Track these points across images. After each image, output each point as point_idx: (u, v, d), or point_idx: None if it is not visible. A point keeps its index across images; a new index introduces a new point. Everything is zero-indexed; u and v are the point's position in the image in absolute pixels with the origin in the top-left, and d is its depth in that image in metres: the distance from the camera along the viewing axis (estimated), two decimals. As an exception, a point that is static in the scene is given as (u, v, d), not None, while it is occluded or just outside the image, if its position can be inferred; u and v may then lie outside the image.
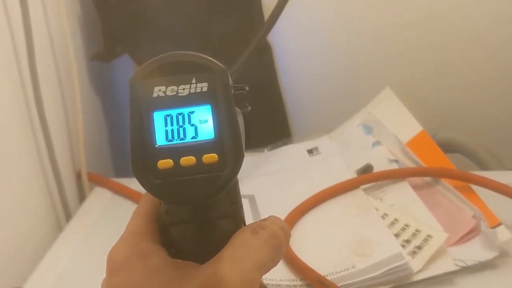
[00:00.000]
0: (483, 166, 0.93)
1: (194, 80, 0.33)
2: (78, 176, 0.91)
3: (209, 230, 0.35)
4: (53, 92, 0.85)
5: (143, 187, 0.33)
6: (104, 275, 0.35)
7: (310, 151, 0.89)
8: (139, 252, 0.34)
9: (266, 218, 0.37)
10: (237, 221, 0.36)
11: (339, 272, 0.63)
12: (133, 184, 0.78)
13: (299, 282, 0.64)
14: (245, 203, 0.77)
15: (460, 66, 1.03)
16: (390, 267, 0.61)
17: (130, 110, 0.33)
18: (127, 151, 0.33)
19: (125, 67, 1.05)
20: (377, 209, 0.72)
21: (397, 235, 0.67)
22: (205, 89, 0.33)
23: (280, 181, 0.84)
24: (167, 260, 0.34)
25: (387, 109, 0.91)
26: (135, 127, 0.33)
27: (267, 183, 0.84)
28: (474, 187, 0.74)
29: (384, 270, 0.61)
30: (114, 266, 0.34)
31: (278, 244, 0.35)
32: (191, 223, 0.35)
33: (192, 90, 0.33)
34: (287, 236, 0.36)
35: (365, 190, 0.77)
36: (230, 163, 0.33)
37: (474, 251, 0.65)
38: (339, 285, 0.61)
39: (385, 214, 0.71)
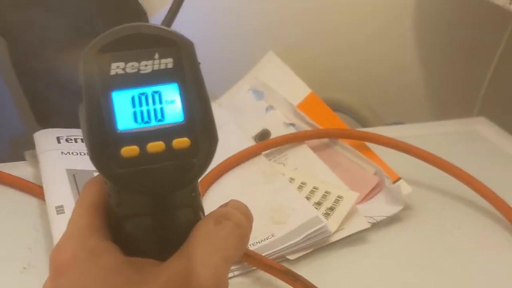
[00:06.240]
0: (363, 123, 0.98)
1: (157, 56, 0.30)
2: None
3: (167, 222, 0.32)
4: None
5: (105, 177, 0.30)
6: None
7: (201, 120, 0.86)
8: (88, 250, 0.30)
9: (227, 203, 0.35)
10: (196, 210, 0.34)
11: (259, 242, 0.62)
12: (13, 169, 0.69)
13: (220, 257, 0.62)
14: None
15: (338, 28, 1.06)
16: (310, 232, 0.62)
17: (84, 90, 0.29)
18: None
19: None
20: (283, 174, 0.72)
21: (307, 198, 0.68)
22: (170, 65, 0.30)
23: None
24: (123, 259, 0.31)
25: (274, 73, 0.90)
26: (92, 110, 0.29)
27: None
28: (369, 145, 0.77)
29: (304, 235, 0.62)
30: (60, 266, 0.30)
31: (243, 233, 0.33)
32: (148, 216, 0.32)
33: (156, 67, 0.30)
34: (250, 221, 0.35)
35: (266, 156, 0.76)
36: (204, 148, 0.30)
37: (381, 207, 0.68)
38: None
39: (292, 179, 0.71)
